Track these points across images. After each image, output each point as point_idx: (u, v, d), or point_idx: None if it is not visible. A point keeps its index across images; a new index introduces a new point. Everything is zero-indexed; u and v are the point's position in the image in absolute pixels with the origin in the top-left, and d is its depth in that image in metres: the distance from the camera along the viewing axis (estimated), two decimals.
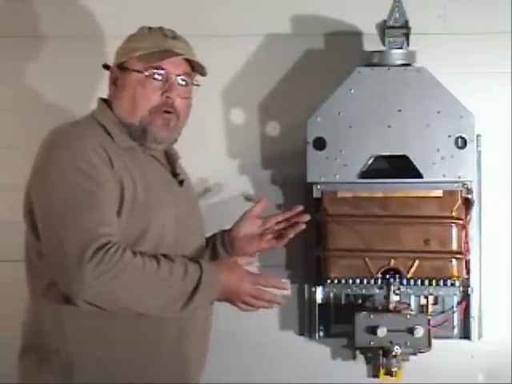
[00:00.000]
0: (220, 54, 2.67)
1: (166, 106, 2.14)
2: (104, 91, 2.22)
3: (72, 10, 2.76)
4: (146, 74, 2.12)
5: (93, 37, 2.75)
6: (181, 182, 2.23)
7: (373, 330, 2.43)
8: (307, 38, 2.72)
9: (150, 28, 2.19)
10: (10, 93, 2.78)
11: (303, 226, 2.37)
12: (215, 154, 2.73)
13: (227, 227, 2.42)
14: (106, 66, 2.22)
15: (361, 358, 2.67)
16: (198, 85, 2.20)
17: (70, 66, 2.75)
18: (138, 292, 1.98)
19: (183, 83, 2.16)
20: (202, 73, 2.20)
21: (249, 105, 2.73)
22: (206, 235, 2.34)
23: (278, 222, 2.39)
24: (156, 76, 2.13)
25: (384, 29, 2.53)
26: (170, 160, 2.25)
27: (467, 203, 2.48)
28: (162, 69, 2.13)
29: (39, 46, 2.76)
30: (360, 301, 2.57)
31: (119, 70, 2.16)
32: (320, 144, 2.49)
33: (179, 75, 2.15)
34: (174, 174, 2.23)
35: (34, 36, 2.77)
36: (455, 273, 2.45)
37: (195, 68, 2.18)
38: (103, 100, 2.21)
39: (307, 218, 2.37)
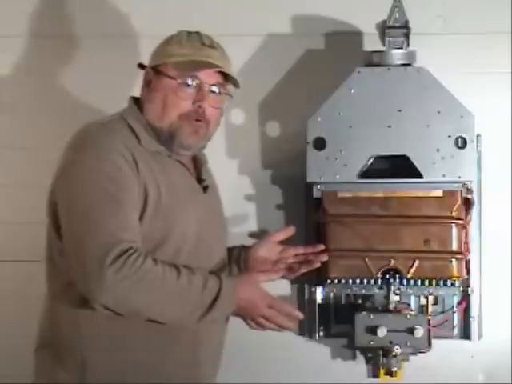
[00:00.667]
0: None
1: (196, 115, 2.14)
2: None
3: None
4: (179, 81, 2.13)
5: (90, 37, 2.75)
6: (205, 188, 2.23)
7: (373, 330, 2.43)
8: (307, 37, 2.72)
9: (188, 33, 2.18)
10: (9, 93, 2.78)
11: (318, 265, 2.43)
12: (215, 153, 2.73)
13: (246, 243, 2.42)
14: (141, 66, 2.21)
15: (361, 357, 2.67)
16: (230, 95, 2.21)
17: (78, 66, 2.75)
18: (156, 301, 1.99)
19: (216, 92, 2.17)
20: (235, 84, 2.21)
21: (249, 105, 2.73)
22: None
23: (296, 255, 2.41)
24: (189, 83, 2.13)
25: (384, 29, 2.53)
26: (197, 165, 2.26)
27: (467, 203, 2.47)
28: (196, 77, 2.13)
29: (39, 46, 2.76)
30: (360, 301, 2.57)
31: (153, 72, 2.16)
32: (320, 144, 2.49)
33: (212, 85, 2.16)
34: (199, 180, 2.23)
35: (31, 36, 2.77)
36: (455, 273, 2.45)
37: (229, 77, 2.19)
38: (134, 99, 2.21)
39: (325, 258, 2.43)
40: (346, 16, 2.70)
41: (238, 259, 2.38)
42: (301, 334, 2.69)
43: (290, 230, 2.43)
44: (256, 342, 2.70)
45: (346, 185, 2.49)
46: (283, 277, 2.42)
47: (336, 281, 2.49)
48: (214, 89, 2.16)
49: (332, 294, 2.62)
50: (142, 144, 2.12)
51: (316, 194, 2.51)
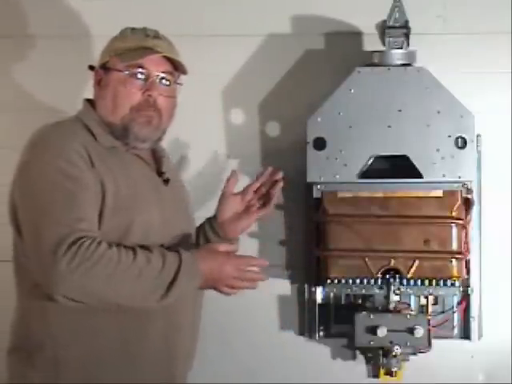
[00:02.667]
0: (220, 54, 2.67)
1: (147, 104, 2.13)
2: (91, 92, 2.22)
3: (63, 10, 2.76)
4: (127, 72, 2.13)
5: (89, 37, 2.74)
6: (166, 181, 2.23)
7: (373, 330, 2.43)
8: (307, 37, 2.72)
9: (132, 28, 2.19)
10: (9, 93, 2.78)
11: (281, 183, 2.38)
12: (215, 153, 2.73)
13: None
14: (91, 67, 2.22)
15: (361, 358, 2.67)
16: (180, 84, 2.20)
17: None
18: (114, 283, 1.98)
19: (166, 82, 2.16)
20: (183, 71, 2.20)
21: (249, 105, 2.73)
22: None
23: (256, 191, 2.39)
24: (138, 75, 2.13)
25: (384, 29, 2.53)
26: (157, 159, 2.25)
27: (467, 203, 2.47)
28: (143, 67, 2.13)
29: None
30: (360, 301, 2.57)
31: (102, 71, 2.17)
32: (320, 144, 2.49)
33: (162, 72, 2.15)
34: (160, 173, 2.23)
35: (26, 36, 2.77)
36: (455, 273, 2.45)
37: (178, 67, 2.18)
38: (88, 100, 2.21)
39: (280, 175, 2.38)
40: (346, 16, 2.70)
41: (213, 230, 2.36)
42: (301, 334, 2.69)
43: (234, 176, 2.38)
44: (256, 342, 2.70)
45: (346, 185, 2.49)
46: (261, 218, 2.39)
47: (336, 281, 2.49)
48: (163, 76, 2.15)
49: (332, 294, 2.62)
50: (98, 140, 2.12)
51: (316, 194, 2.52)
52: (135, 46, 2.13)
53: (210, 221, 2.38)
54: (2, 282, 2.72)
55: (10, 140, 2.72)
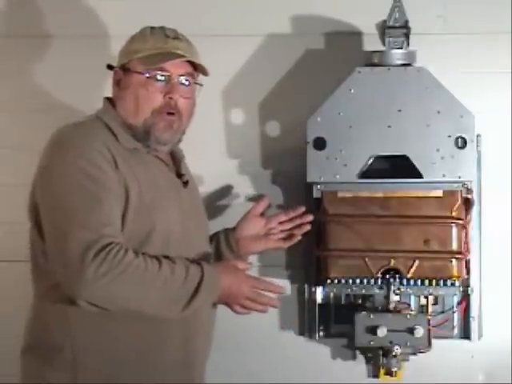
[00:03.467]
0: (220, 54, 2.67)
1: (168, 107, 2.15)
2: (109, 91, 2.23)
3: (77, 10, 2.76)
4: (148, 75, 2.13)
5: (96, 37, 2.74)
6: (185, 183, 2.24)
7: (373, 330, 2.43)
8: (307, 37, 2.72)
9: (152, 28, 2.19)
10: (9, 93, 2.78)
11: (309, 227, 2.44)
12: (215, 154, 2.73)
13: (229, 226, 2.42)
14: (109, 67, 2.22)
15: (361, 358, 2.67)
16: (201, 84, 2.21)
17: (72, 66, 2.75)
18: (139, 292, 1.99)
19: (186, 83, 2.17)
20: (204, 73, 2.21)
21: (249, 105, 2.73)
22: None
23: (281, 222, 2.42)
24: (158, 77, 2.14)
25: (384, 29, 2.53)
26: (175, 160, 2.26)
27: (467, 203, 2.47)
28: (165, 70, 2.13)
29: (41, 46, 2.76)
30: (360, 301, 2.57)
31: (122, 71, 2.17)
32: (320, 144, 2.49)
33: (181, 76, 2.16)
34: (179, 175, 2.24)
35: (36, 36, 2.76)
36: (455, 273, 2.45)
37: (197, 67, 2.19)
38: (108, 99, 2.21)
39: (310, 218, 2.43)
40: (346, 16, 2.70)
41: (228, 244, 2.38)
42: (301, 334, 2.69)
43: (265, 200, 2.43)
44: (256, 342, 2.70)
45: (345, 185, 2.49)
46: (282, 247, 2.45)
47: (336, 281, 2.49)
48: (183, 79, 2.16)
49: (332, 294, 2.62)
50: (119, 141, 2.12)
51: (316, 193, 2.51)
52: (156, 48, 2.14)
53: (227, 232, 2.40)
54: (1, 282, 2.74)
55: (18, 140, 2.72)
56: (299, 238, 2.45)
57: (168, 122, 2.15)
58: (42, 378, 2.09)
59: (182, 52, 2.14)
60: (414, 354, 2.48)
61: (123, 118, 2.16)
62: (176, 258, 2.06)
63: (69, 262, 1.96)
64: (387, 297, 2.46)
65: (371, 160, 2.49)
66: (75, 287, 1.96)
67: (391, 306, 2.46)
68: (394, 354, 2.44)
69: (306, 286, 2.65)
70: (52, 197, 2.04)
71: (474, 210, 2.51)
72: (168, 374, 2.12)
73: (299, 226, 2.44)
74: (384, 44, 2.53)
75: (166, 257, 2.05)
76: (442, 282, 2.45)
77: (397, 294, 2.46)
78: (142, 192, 2.08)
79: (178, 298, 2.02)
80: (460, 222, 2.45)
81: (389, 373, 2.50)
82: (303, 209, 2.45)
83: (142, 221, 2.07)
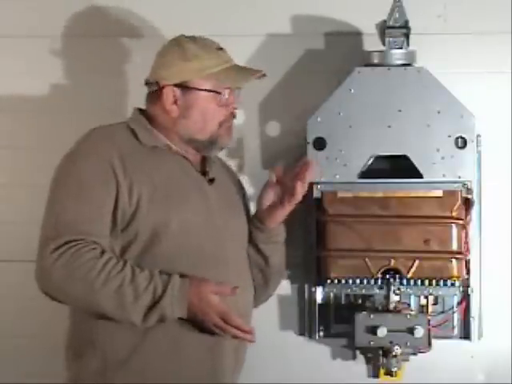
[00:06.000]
0: None
1: (231, 117, 2.24)
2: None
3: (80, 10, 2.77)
4: (218, 92, 2.19)
5: (99, 37, 2.74)
6: (211, 180, 2.25)
7: (373, 330, 2.43)
8: (307, 37, 2.72)
9: (193, 40, 2.22)
10: (9, 93, 2.78)
11: (312, 175, 2.34)
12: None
13: None
14: (150, 83, 2.23)
15: (361, 358, 2.67)
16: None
17: (74, 67, 2.75)
18: (90, 291, 2.01)
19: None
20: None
21: (249, 105, 2.73)
22: None
23: (292, 178, 2.34)
24: (224, 93, 2.21)
25: (384, 29, 2.53)
26: (204, 160, 2.29)
27: (467, 203, 2.47)
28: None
29: (38, 46, 2.76)
30: (360, 301, 2.57)
31: (179, 90, 2.19)
32: (320, 144, 2.49)
33: (239, 87, 2.27)
34: (204, 173, 2.25)
35: (31, 36, 2.77)
36: (455, 273, 2.45)
37: None
38: (140, 110, 2.25)
39: (313, 164, 2.34)
40: (346, 16, 2.69)
41: (255, 223, 2.36)
42: (301, 334, 2.69)
43: (278, 168, 2.37)
44: (256, 342, 2.70)
45: (345, 185, 2.49)
46: (297, 200, 2.34)
47: (336, 281, 2.49)
48: (238, 88, 2.26)
49: (332, 294, 2.62)
50: (140, 140, 2.16)
51: (316, 193, 2.51)
52: (218, 65, 2.19)
53: (254, 215, 2.40)
54: (1, 282, 2.74)
55: (18, 140, 2.73)
56: (308, 181, 2.33)
57: (230, 129, 2.24)
58: (76, 375, 2.14)
59: (251, 67, 2.27)
60: (414, 353, 2.48)
61: (185, 135, 2.20)
62: (151, 271, 2.06)
63: (38, 251, 2.03)
64: (387, 297, 2.46)
65: (371, 160, 2.49)
66: (36, 275, 2.03)
67: (391, 306, 2.46)
68: (394, 353, 2.44)
69: (306, 286, 2.65)
70: (49, 194, 2.11)
71: (474, 210, 2.51)
72: (195, 377, 2.13)
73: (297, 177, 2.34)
74: (384, 44, 2.53)
75: (139, 268, 2.06)
76: (442, 282, 2.45)
77: (397, 294, 2.46)
78: (155, 186, 2.11)
79: (134, 305, 2.01)
80: (460, 221, 2.45)
81: (389, 373, 2.50)
82: (306, 160, 2.40)
83: (156, 215, 2.09)
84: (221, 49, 2.23)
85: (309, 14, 2.72)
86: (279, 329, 2.72)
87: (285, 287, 2.69)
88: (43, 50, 2.76)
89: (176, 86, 2.19)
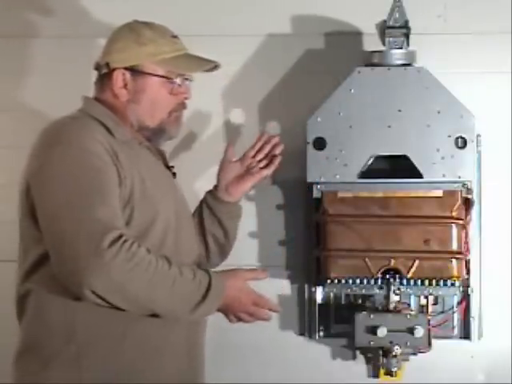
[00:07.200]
0: (220, 54, 2.66)
1: (182, 107, 2.20)
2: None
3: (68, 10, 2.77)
4: (171, 79, 2.16)
5: (87, 37, 2.74)
6: (174, 174, 2.27)
7: (373, 330, 2.43)
8: (307, 37, 2.72)
9: (148, 25, 2.19)
10: (9, 92, 2.78)
11: (281, 146, 2.50)
12: (215, 154, 2.73)
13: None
14: (99, 67, 2.18)
15: (361, 357, 2.67)
16: (191, 80, 2.25)
17: (70, 67, 2.75)
18: (150, 288, 1.95)
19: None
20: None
21: (249, 105, 2.73)
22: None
23: (254, 156, 2.48)
24: (179, 82, 2.17)
25: (384, 29, 2.53)
26: (160, 153, 2.27)
27: (467, 203, 2.47)
28: (187, 74, 2.19)
29: (38, 46, 2.76)
30: (360, 301, 2.57)
31: (130, 73, 2.15)
32: (320, 144, 2.49)
33: (190, 79, 2.23)
34: (167, 166, 2.26)
35: (31, 36, 2.77)
36: (455, 273, 2.45)
37: None
38: (94, 99, 2.19)
39: (277, 139, 2.51)
40: (346, 16, 2.70)
41: (216, 197, 2.42)
42: (301, 334, 2.69)
43: (230, 146, 2.49)
44: (256, 342, 2.70)
45: (345, 185, 2.49)
46: (266, 176, 2.49)
47: (336, 281, 2.49)
48: (191, 78, 2.23)
49: (332, 294, 2.62)
50: (113, 134, 2.09)
51: (316, 193, 2.51)
52: (172, 51, 2.16)
53: (211, 191, 2.43)
54: (1, 282, 2.74)
55: (18, 140, 2.72)
56: (279, 159, 2.49)
57: (179, 119, 2.21)
58: (44, 378, 2.04)
59: (207, 58, 2.21)
60: (414, 353, 2.48)
61: (134, 120, 2.15)
62: (178, 261, 2.04)
63: (81, 253, 1.89)
64: (387, 297, 2.46)
65: (371, 160, 2.49)
66: (85, 275, 1.88)
67: (391, 306, 2.46)
68: (394, 353, 2.44)
69: (306, 286, 2.65)
70: (55, 194, 1.98)
71: (474, 210, 2.51)
72: (172, 376, 2.11)
73: (272, 157, 2.49)
74: (384, 44, 2.53)
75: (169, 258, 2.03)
76: (441, 282, 2.45)
77: (397, 294, 2.46)
78: (144, 181, 2.07)
79: (187, 300, 1.99)
80: (460, 221, 2.45)
81: (389, 373, 2.50)
82: (266, 135, 2.52)
83: (147, 209, 2.06)
84: (175, 36, 2.19)
85: (309, 13, 2.72)
86: (279, 329, 2.72)
87: (285, 287, 2.69)
88: (43, 50, 2.76)
89: (127, 69, 2.14)
